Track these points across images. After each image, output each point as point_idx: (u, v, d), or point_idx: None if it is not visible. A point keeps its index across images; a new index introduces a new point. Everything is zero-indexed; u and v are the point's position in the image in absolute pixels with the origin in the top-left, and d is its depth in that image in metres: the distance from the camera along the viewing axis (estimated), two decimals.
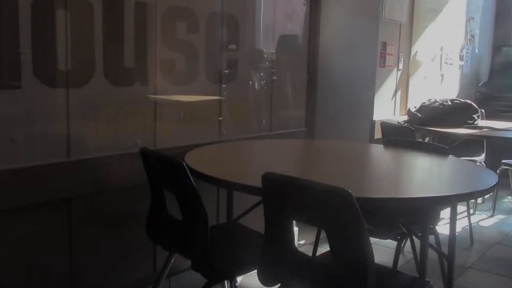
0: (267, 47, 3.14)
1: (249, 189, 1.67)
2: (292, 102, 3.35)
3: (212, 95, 2.75)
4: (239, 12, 2.84)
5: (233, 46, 2.84)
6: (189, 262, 1.91)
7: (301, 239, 3.41)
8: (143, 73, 2.36)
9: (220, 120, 2.80)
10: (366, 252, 1.39)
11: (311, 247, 2.76)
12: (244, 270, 1.92)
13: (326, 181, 1.48)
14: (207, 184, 1.82)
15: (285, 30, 3.30)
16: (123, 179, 2.28)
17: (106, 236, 2.30)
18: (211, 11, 2.66)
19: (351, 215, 1.37)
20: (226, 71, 2.80)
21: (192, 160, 2.03)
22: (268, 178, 1.53)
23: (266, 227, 1.61)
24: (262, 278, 1.64)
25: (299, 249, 1.68)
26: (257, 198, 1.66)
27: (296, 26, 3.38)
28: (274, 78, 3.16)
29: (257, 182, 1.55)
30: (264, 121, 3.12)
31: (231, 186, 1.98)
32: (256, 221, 2.02)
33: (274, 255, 1.63)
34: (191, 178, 1.73)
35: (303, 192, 1.50)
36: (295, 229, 3.26)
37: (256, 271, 1.67)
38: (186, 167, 1.74)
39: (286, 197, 1.55)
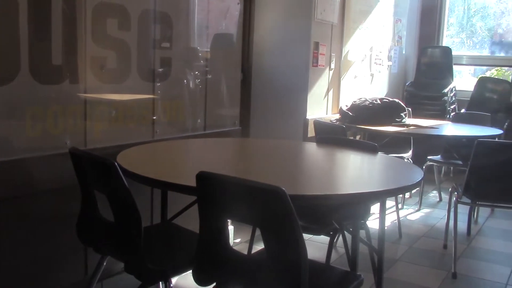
0: (202, 45, 3.12)
1: (183, 189, 1.66)
2: (227, 101, 3.35)
3: (145, 94, 2.70)
4: (172, 9, 2.80)
5: (167, 44, 2.80)
6: (122, 265, 1.87)
7: (237, 237, 3.42)
8: (72, 70, 2.28)
9: (154, 119, 2.75)
10: (299, 249, 1.42)
11: (247, 245, 2.78)
12: (179, 270, 1.90)
13: (261, 179, 1.49)
14: (141, 184, 1.78)
15: (220, 29, 3.29)
16: (52, 181, 2.20)
17: (34, 240, 2.21)
18: (143, 8, 2.61)
19: (285, 213, 1.39)
20: (160, 70, 2.76)
21: (125, 160, 1.98)
22: (202, 177, 1.52)
23: (200, 226, 1.60)
24: (197, 278, 1.63)
25: (234, 247, 1.68)
26: (192, 198, 1.65)
27: (231, 25, 3.38)
28: (209, 76, 3.15)
29: (192, 182, 1.54)
30: (199, 120, 3.10)
31: (165, 186, 1.95)
32: (191, 221, 2.01)
33: (209, 255, 1.62)
34: (123, 178, 1.70)
35: (237, 190, 1.50)
36: (231, 227, 3.26)
37: (191, 271, 1.66)
38: (118, 167, 1.70)
39: (220, 196, 1.55)
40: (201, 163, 2.29)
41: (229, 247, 1.63)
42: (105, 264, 2.05)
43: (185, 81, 2.99)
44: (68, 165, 1.94)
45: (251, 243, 2.69)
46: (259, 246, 1.82)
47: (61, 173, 2.15)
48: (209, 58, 3.16)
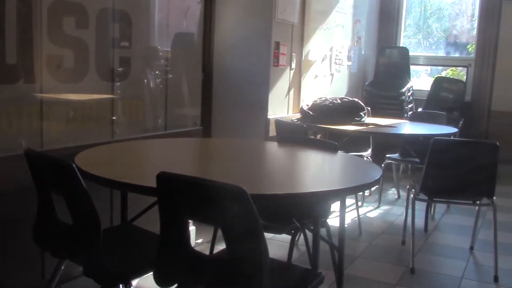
0: (162, 45, 3.09)
1: (143, 190, 1.64)
2: (188, 100, 3.33)
3: (104, 94, 2.65)
4: (132, 8, 2.77)
5: (126, 43, 2.76)
6: (81, 268, 1.84)
7: (199, 238, 3.41)
8: (28, 70, 2.22)
9: (113, 119, 2.71)
10: (261, 248, 1.42)
11: (209, 245, 2.77)
12: (139, 272, 1.88)
13: (222, 179, 1.49)
14: (100, 186, 1.75)
15: (180, 28, 3.27)
16: (6, 183, 2.14)
17: None
18: (101, 6, 2.57)
19: (246, 212, 1.39)
20: (119, 69, 2.72)
21: (83, 161, 1.95)
22: (163, 177, 1.51)
23: (161, 227, 1.59)
24: (158, 279, 1.62)
25: (196, 248, 1.67)
26: (153, 199, 1.63)
27: (191, 24, 3.36)
28: (170, 76, 3.12)
29: (152, 182, 1.53)
30: (160, 120, 3.07)
31: (125, 187, 1.92)
32: (152, 222, 1.99)
33: (170, 256, 1.61)
34: (81, 180, 1.66)
35: (198, 190, 1.50)
36: (192, 228, 3.25)
37: (152, 273, 1.64)
38: (75, 168, 1.66)
39: (181, 196, 1.54)
40: (161, 164, 2.26)
41: (190, 247, 1.62)
42: (63, 268, 2.01)
43: (145, 80, 2.95)
44: (24, 167, 1.89)
45: (213, 243, 2.69)
46: (221, 246, 1.82)
47: (16, 175, 2.09)
48: (169, 58, 3.14)
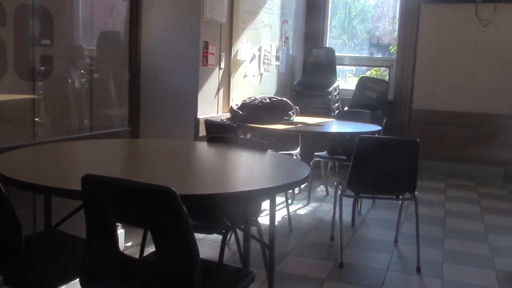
0: (87, 43, 3.00)
1: (68, 193, 1.59)
2: (115, 100, 3.25)
3: (24, 94, 2.53)
4: (53, 4, 2.66)
5: (47, 41, 2.65)
6: (1, 278, 1.74)
7: (128, 241, 3.33)
8: None
9: (35, 120, 2.59)
10: (191, 249, 1.41)
11: (139, 248, 2.71)
12: (65, 279, 1.80)
13: (151, 180, 1.47)
14: (21, 191, 1.67)
15: (106, 26, 3.18)
16: None
17: None
18: (20, 2, 2.45)
19: (175, 213, 1.38)
20: (41, 68, 2.61)
21: (2, 165, 1.85)
22: (88, 180, 1.46)
23: (87, 232, 1.54)
24: (85, 286, 1.57)
25: (126, 251, 1.64)
26: (79, 202, 1.57)
27: (117, 22, 3.28)
28: (95, 75, 3.03)
29: (77, 186, 1.47)
30: (85, 121, 2.97)
31: (48, 191, 1.85)
32: (78, 227, 1.92)
33: (97, 261, 1.56)
34: (0, 185, 1.58)
35: (125, 192, 1.46)
36: (121, 231, 3.17)
37: (78, 279, 1.59)
38: None
39: (107, 199, 1.50)
40: (87, 166, 2.19)
41: (118, 251, 1.58)
42: None
43: (69, 80, 2.85)
44: None
45: (142, 246, 2.64)
46: (152, 249, 1.78)
47: None
48: (95, 57, 3.04)
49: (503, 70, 6.02)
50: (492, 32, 6.02)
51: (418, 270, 3.16)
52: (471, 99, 6.14)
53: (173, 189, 1.36)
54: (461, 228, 4.12)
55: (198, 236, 3.49)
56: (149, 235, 2.53)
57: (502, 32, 5.98)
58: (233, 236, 2.77)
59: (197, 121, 4.02)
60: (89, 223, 1.53)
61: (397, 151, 3.21)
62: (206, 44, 4.10)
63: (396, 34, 6.62)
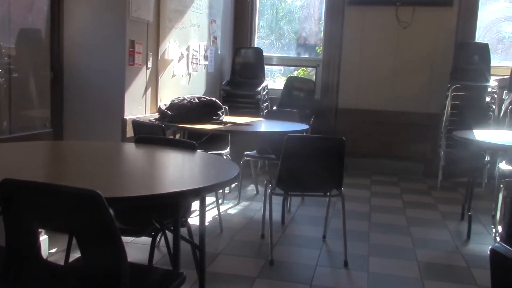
0: (4, 41, 2.85)
1: None
2: (36, 101, 3.11)
3: None
4: None
5: None
6: None
7: (53, 247, 3.20)
8: None
9: None
10: (118, 253, 1.38)
11: (64, 254, 2.61)
12: None
13: (75, 183, 1.42)
14: None
15: (25, 23, 3.04)
16: None
17: None
18: None
19: (101, 217, 1.34)
20: None
21: None
22: (6, 184, 1.39)
23: (6, 239, 1.46)
24: None
25: (50, 258, 1.57)
26: None
27: (38, 20, 3.14)
28: (14, 75, 2.89)
29: None
30: (4, 123, 2.83)
31: None
32: None
33: (18, 269, 1.49)
34: None
35: (47, 197, 1.40)
36: (44, 237, 3.04)
37: None
38: None
39: (28, 204, 1.43)
40: (6, 170, 2.08)
41: (41, 258, 1.52)
42: None
43: None
44: None
45: (68, 252, 2.54)
46: (78, 254, 1.72)
47: None
48: (14, 55, 2.90)
49: (422, 70, 6.33)
50: (411, 33, 6.31)
51: (346, 264, 3.26)
52: (392, 98, 6.41)
53: (99, 192, 1.32)
54: (385, 222, 4.29)
55: (127, 239, 3.42)
56: (74, 240, 2.45)
57: (420, 34, 6.29)
58: (163, 238, 2.73)
59: (124, 121, 3.93)
60: (9, 230, 1.45)
61: (324, 149, 3.29)
62: (132, 43, 4.02)
63: (322, 35, 6.79)
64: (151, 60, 4.38)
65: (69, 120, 3.97)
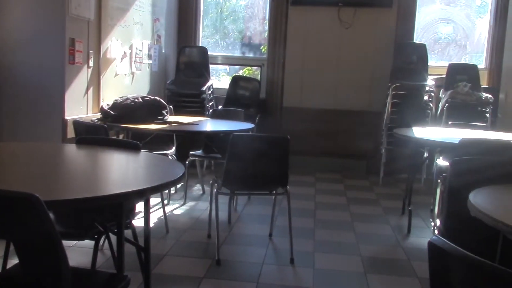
0: None
1: None
2: None
3: None
4: None
5: None
6: None
7: None
8: None
9: None
10: (59, 258, 1.34)
11: (1, 261, 2.51)
12: None
13: (11, 187, 1.36)
14: None
15: None
16: None
17: None
18: None
19: (39, 221, 1.29)
20: None
21: None
22: None
23: None
24: None
25: None
26: None
27: None
28: None
29: None
30: None
31: None
32: None
33: None
34: None
35: None
36: None
37: None
38: None
39: None
40: None
41: None
42: None
43: None
44: None
45: (5, 259, 2.44)
46: (16, 260, 1.65)
47: None
48: None
49: (364, 69, 6.49)
50: (353, 34, 6.46)
51: (292, 261, 3.30)
52: (336, 97, 6.54)
53: (37, 195, 1.28)
54: (330, 219, 4.37)
55: (69, 243, 3.32)
56: (12, 246, 2.35)
57: (362, 34, 6.45)
58: (106, 241, 2.67)
59: (64, 122, 3.82)
60: None
61: (269, 147, 3.31)
62: (72, 41, 3.91)
63: (266, 34, 6.83)
64: (92, 59, 4.28)
65: (5, 121, 3.82)
